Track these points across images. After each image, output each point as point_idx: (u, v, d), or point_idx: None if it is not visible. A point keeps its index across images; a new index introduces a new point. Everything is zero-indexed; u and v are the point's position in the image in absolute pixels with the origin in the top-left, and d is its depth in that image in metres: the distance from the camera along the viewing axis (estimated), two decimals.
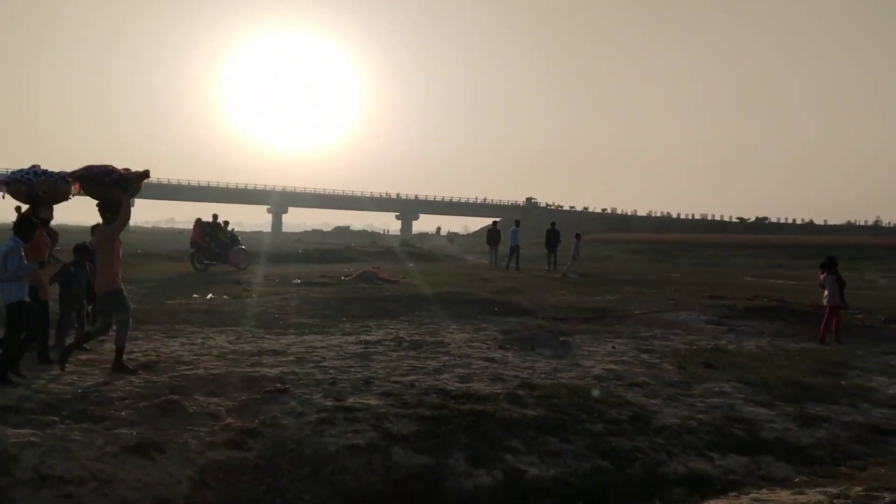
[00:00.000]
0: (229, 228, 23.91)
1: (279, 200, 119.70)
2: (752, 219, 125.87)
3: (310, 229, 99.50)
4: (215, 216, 23.80)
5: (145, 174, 7.79)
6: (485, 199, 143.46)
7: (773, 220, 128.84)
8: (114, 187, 7.52)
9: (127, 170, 7.75)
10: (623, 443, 6.18)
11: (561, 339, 10.78)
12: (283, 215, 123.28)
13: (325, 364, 8.22)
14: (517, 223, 26.50)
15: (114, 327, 7.70)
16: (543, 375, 8.21)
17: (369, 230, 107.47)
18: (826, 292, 11.89)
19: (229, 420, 5.87)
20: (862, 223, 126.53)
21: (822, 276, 12.04)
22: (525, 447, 5.92)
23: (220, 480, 4.92)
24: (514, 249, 25.53)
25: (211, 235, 22.92)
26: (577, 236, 25.78)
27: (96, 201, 7.71)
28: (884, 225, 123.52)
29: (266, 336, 10.22)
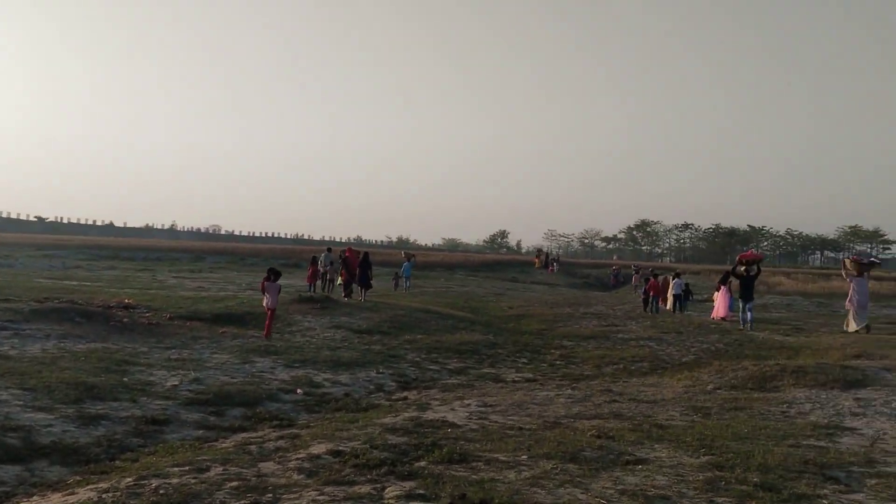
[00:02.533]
0: None
1: None
2: (50, 218, 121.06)
3: None
4: None
5: None
6: None
7: (74, 220, 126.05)
8: None
9: None
10: None
11: None
12: None
13: None
14: None
15: None
16: None
17: None
18: (268, 297, 14.09)
19: None
20: (160, 227, 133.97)
21: (264, 283, 14.23)
22: None
23: None
24: None
25: None
26: None
27: None
28: (179, 229, 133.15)
29: None
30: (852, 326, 18.40)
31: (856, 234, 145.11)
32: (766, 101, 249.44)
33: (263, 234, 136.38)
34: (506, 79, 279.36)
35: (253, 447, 6.28)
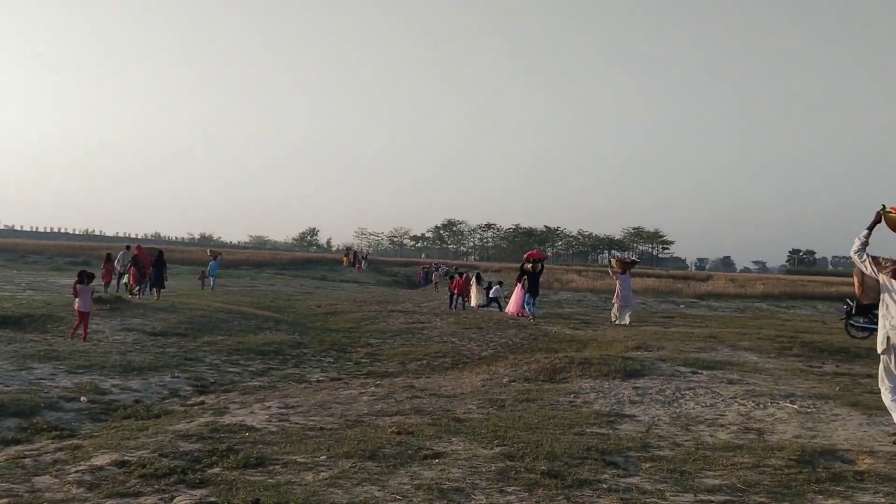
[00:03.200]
0: None
1: None
2: None
3: None
4: None
5: None
6: None
7: None
8: None
9: None
10: None
11: None
12: None
13: None
14: None
15: None
16: None
17: None
18: (79, 300, 13.28)
19: None
20: None
21: (76, 286, 13.43)
22: None
23: None
24: None
25: None
26: None
27: None
28: None
29: None
30: (621, 319, 20.60)
31: (639, 234, 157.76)
32: (562, 114, 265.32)
33: (49, 230, 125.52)
34: (314, 78, 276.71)
35: (27, 461, 5.75)
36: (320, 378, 11.42)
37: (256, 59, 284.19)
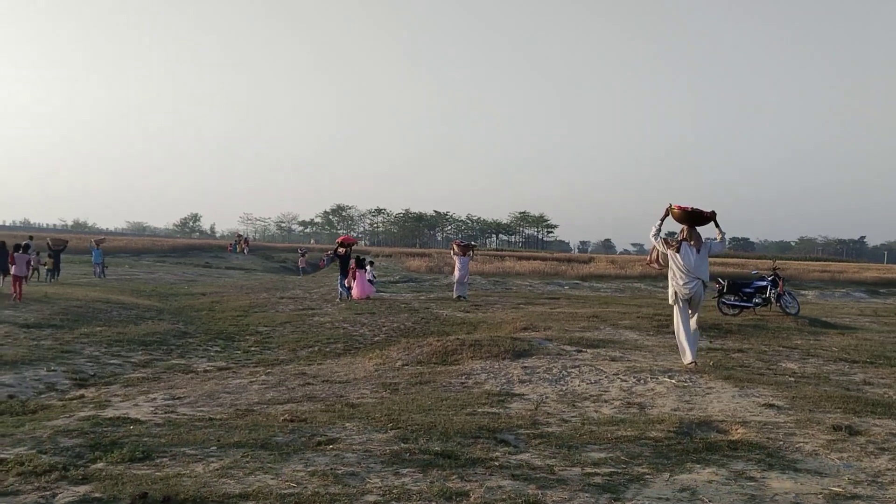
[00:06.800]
0: None
1: None
2: None
3: None
4: None
5: None
6: None
7: None
8: None
9: None
10: None
11: None
12: None
13: None
14: None
15: None
16: None
17: None
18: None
19: None
20: None
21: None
22: None
23: None
24: None
25: None
26: None
27: None
28: None
29: None
30: (460, 294, 23.18)
31: (524, 219, 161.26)
32: (451, 102, 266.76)
33: None
34: (193, 58, 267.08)
35: None
36: (207, 368, 11.12)
37: (124, 40, 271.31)
